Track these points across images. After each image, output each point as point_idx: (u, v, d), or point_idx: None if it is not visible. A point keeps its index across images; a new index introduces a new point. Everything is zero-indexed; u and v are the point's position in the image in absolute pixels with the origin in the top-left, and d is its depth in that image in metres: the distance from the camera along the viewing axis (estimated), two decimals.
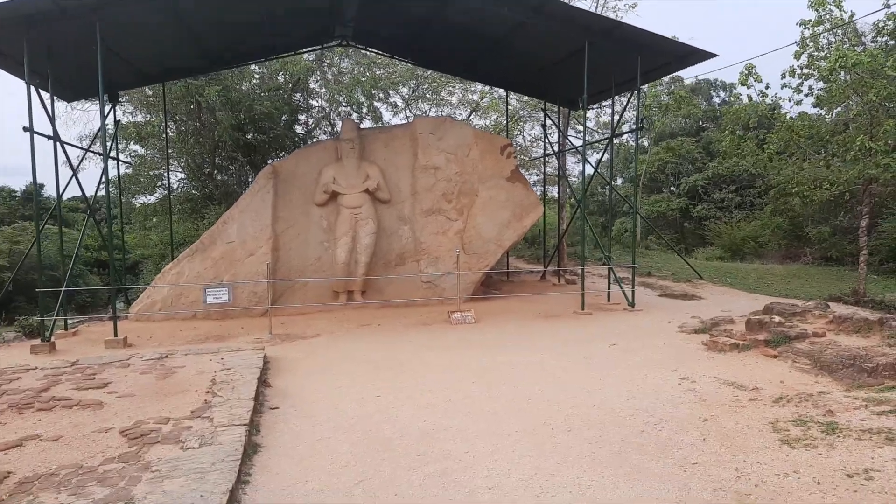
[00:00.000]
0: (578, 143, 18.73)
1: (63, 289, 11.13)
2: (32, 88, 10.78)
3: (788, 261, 25.14)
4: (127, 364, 8.39)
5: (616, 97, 15.65)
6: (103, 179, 12.65)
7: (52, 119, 11.23)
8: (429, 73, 26.36)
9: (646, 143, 33.45)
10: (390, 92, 24.58)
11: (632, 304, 12.52)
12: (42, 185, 28.60)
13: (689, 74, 38.55)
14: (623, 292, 12.78)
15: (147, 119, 21.33)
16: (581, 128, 19.43)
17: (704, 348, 8.94)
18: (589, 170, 14.61)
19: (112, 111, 14.90)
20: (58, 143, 11.33)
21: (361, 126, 15.14)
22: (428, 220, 13.60)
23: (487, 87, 24.97)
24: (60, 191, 11.48)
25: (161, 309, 12.50)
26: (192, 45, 13.70)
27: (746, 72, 13.31)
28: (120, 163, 16.07)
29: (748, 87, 13.31)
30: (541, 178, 22.46)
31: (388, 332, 11.09)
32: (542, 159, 19.82)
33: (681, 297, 14.25)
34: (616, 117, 15.72)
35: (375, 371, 8.20)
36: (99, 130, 17.25)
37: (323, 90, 23.22)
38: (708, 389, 6.76)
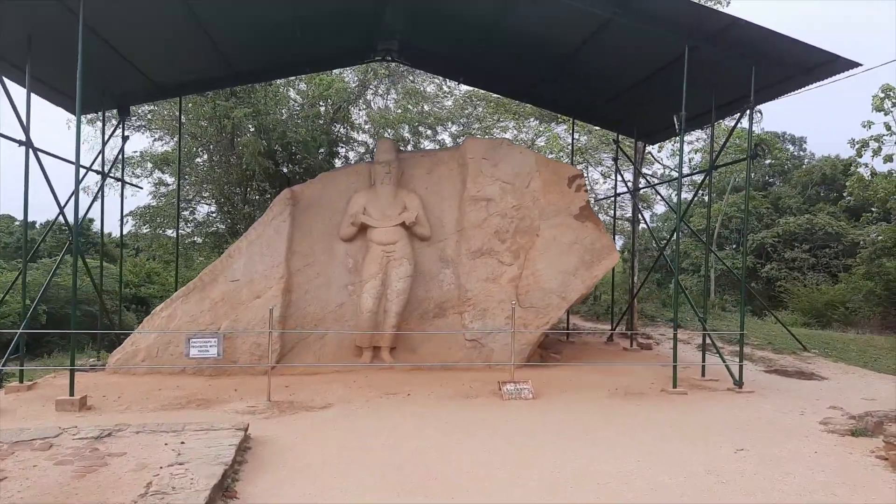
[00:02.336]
0: (645, 182, 16.06)
1: (20, 330, 8.92)
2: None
3: (888, 331, 21.74)
4: (49, 444, 5.96)
5: (682, 129, 13.06)
6: (112, 205, 10.64)
7: (21, 120, 9.21)
8: (480, 109, 24.35)
9: (706, 198, 30.47)
10: (438, 129, 22.61)
11: (739, 383, 9.59)
12: (91, 220, 27.47)
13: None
14: (727, 367, 9.85)
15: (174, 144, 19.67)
16: (655, 166, 16.83)
17: (882, 463, 6.04)
18: (683, 200, 11.86)
19: (121, 127, 13.00)
20: (30, 150, 9.27)
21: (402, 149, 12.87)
22: (476, 263, 11.05)
23: (544, 123, 22.71)
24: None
25: (144, 360, 10.15)
26: (212, 52, 11.74)
27: (883, 94, 10.49)
28: (129, 185, 14.09)
29: (885, 113, 10.46)
30: (607, 222, 19.74)
31: (419, 406, 8.44)
32: (607, 200, 17.19)
33: (795, 376, 11.18)
34: (701, 141, 12.99)
35: (391, 479, 5.54)
36: (113, 150, 15.38)
37: (367, 125, 21.29)
38: None
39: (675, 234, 10.40)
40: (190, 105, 17.17)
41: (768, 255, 28.67)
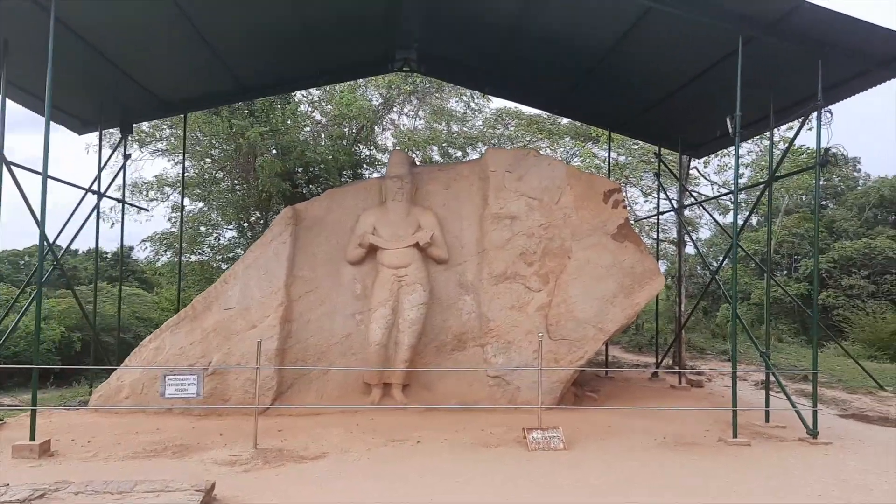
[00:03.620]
0: (692, 200, 14.54)
1: None
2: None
3: None
4: None
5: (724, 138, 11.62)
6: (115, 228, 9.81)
7: None
8: (511, 127, 23.26)
9: (753, 221, 28.51)
10: (468, 150, 21.55)
11: (813, 432, 8.01)
12: (131, 248, 27.25)
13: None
14: (798, 413, 8.29)
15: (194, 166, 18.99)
16: (701, 184, 15.37)
17: None
18: (737, 218, 10.40)
19: (123, 144, 12.22)
20: (3, 165, 8.38)
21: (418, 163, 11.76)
22: (499, 288, 9.75)
23: (579, 143, 21.43)
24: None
25: (128, 397, 9.08)
26: (216, 65, 10.94)
27: None
28: (130, 207, 13.27)
29: None
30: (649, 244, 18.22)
31: (428, 457, 7.13)
32: (648, 221, 15.75)
33: (878, 422, 9.50)
34: (761, 147, 11.52)
35: None
36: (134, 172, 14.59)
37: (394, 146, 20.36)
38: None
39: (726, 257, 8.99)
40: (206, 126, 16.51)
41: (823, 281, 26.62)
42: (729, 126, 8.30)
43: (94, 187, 11.14)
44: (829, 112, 8.32)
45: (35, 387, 7.51)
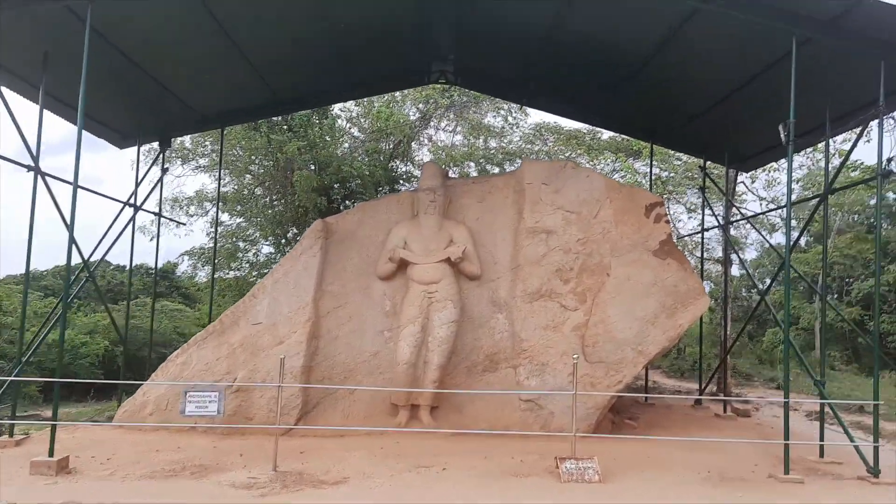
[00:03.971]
0: (740, 216, 13.73)
1: (10, 378, 7.94)
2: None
3: None
4: None
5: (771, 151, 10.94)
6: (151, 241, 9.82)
7: (32, 148, 8.36)
8: (549, 143, 22.78)
9: (802, 242, 27.15)
10: (506, 165, 21.21)
11: (874, 471, 7.30)
12: (176, 264, 27.60)
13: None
14: (856, 448, 7.58)
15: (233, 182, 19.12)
16: (748, 199, 14.63)
17: None
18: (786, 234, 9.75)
19: (161, 158, 12.28)
20: (38, 176, 8.40)
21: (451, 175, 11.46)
22: (534, 307, 9.31)
23: (620, 159, 20.80)
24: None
25: (152, 413, 8.94)
26: (252, 78, 10.95)
27: None
28: (169, 221, 13.32)
29: None
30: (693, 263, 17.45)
31: (453, 485, 6.73)
32: (692, 238, 15.04)
33: None
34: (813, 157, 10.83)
35: None
36: (171, 188, 14.77)
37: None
38: None
39: (775, 278, 8.34)
40: (245, 141, 16.60)
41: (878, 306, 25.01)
42: (782, 134, 7.73)
43: (132, 201, 11.20)
44: (894, 118, 7.68)
45: (56, 401, 7.42)
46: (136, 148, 12.14)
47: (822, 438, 8.30)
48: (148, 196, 11.70)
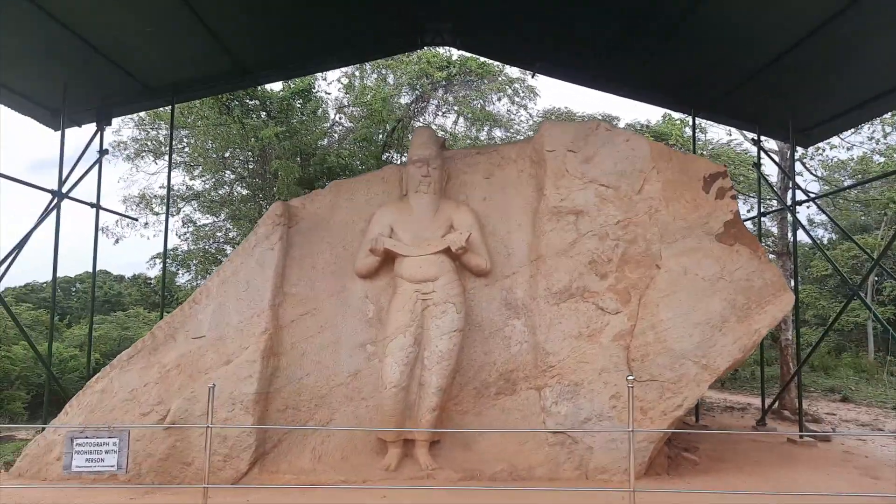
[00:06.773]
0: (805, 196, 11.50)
1: None
2: None
3: None
4: None
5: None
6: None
7: None
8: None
9: (825, 239, 24.91)
10: None
11: None
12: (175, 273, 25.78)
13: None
14: None
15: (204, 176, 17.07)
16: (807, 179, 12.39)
17: None
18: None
19: (99, 136, 10.18)
20: None
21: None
22: (561, 309, 7.10)
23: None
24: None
25: (59, 459, 6.72)
26: (209, 40, 8.94)
27: None
28: (106, 212, 11.09)
29: None
30: None
31: None
32: (749, 223, 12.76)
33: None
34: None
35: None
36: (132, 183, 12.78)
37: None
38: None
39: (872, 270, 6.19)
40: (218, 128, 14.60)
41: None
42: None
43: (63, 189, 9.08)
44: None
45: None
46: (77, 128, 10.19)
47: None
48: (78, 181, 9.54)
